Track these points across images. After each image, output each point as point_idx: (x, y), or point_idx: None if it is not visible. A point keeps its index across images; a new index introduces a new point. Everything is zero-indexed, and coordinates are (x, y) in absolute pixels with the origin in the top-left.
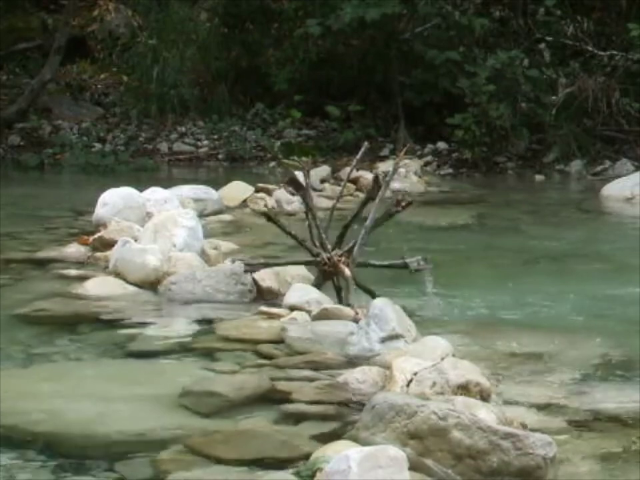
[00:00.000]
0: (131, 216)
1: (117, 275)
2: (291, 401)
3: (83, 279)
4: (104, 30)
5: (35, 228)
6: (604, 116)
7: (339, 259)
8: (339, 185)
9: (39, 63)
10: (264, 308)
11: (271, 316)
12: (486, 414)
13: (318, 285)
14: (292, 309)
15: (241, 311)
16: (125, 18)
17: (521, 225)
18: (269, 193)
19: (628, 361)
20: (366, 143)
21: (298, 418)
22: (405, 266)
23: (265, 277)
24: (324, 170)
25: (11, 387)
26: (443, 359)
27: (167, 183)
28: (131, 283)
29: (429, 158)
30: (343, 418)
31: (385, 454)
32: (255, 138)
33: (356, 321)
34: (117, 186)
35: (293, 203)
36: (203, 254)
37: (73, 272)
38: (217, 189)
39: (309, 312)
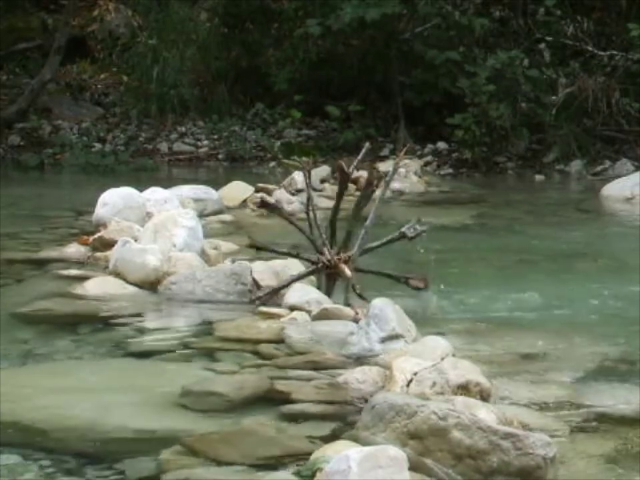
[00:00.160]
0: (131, 216)
1: (117, 275)
2: (290, 401)
3: (82, 279)
4: (104, 30)
5: (35, 228)
6: (604, 116)
7: (339, 258)
8: None
9: (39, 63)
10: (264, 308)
11: (271, 316)
12: (486, 414)
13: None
14: (292, 309)
15: (241, 311)
16: (125, 18)
17: (520, 224)
18: (268, 192)
19: (628, 360)
20: (367, 143)
21: (298, 418)
22: (403, 236)
23: (265, 277)
24: (324, 170)
25: (11, 386)
26: (442, 359)
27: (167, 183)
28: (130, 283)
29: (428, 158)
30: (343, 418)
31: (385, 454)
32: (255, 138)
33: (356, 320)
34: (117, 186)
35: (293, 203)
36: (203, 254)
37: (73, 272)
38: (217, 189)
39: (308, 312)
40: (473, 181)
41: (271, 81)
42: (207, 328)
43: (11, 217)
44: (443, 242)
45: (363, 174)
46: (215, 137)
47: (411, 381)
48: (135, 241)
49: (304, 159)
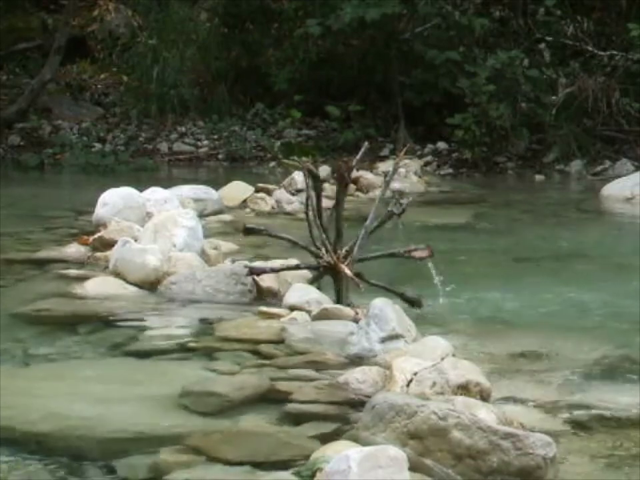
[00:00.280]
0: (131, 216)
1: (117, 275)
2: (291, 401)
3: (83, 279)
4: (104, 30)
5: (35, 228)
6: (604, 116)
7: (339, 257)
8: None
9: (39, 63)
10: (264, 308)
11: (271, 316)
12: (486, 414)
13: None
14: (292, 308)
15: (241, 311)
16: (125, 18)
17: (520, 224)
18: (268, 192)
19: (628, 360)
20: (366, 143)
21: (298, 418)
22: (392, 214)
23: (265, 277)
24: (324, 170)
25: (11, 386)
26: (443, 359)
27: (167, 183)
28: (130, 283)
29: (429, 158)
30: (343, 418)
31: (385, 454)
32: (255, 138)
33: (356, 320)
34: (117, 186)
35: (293, 203)
36: (203, 254)
37: (73, 272)
38: (217, 189)
39: (308, 312)
40: (473, 181)
41: (271, 81)
42: (207, 328)
43: (11, 217)
44: (443, 242)
45: (363, 174)
46: (215, 137)
47: (411, 381)
48: (135, 241)
49: (304, 158)
